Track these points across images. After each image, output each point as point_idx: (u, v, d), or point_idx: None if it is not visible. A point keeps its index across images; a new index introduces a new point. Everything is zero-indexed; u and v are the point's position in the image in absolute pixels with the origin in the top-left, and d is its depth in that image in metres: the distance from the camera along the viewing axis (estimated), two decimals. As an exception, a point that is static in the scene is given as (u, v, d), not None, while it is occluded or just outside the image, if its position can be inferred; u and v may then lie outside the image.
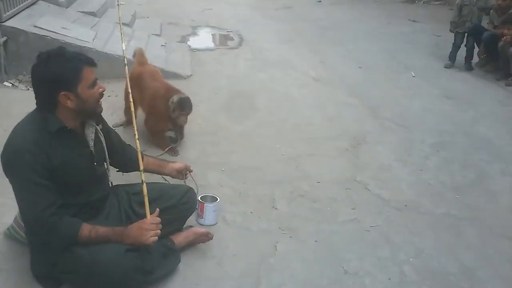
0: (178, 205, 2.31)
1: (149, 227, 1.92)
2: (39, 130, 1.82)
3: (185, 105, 3.19)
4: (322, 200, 2.91)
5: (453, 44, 5.87)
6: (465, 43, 5.83)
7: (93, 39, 4.82)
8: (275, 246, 2.46)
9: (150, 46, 5.38)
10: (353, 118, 4.16)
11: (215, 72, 5.17)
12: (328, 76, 5.24)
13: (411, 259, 2.42)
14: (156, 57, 5.05)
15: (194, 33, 6.83)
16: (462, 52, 5.86)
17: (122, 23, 5.81)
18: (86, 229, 1.87)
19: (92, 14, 5.64)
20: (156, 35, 6.00)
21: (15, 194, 1.85)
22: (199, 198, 2.62)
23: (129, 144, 2.39)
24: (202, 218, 2.60)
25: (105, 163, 2.17)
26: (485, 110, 4.54)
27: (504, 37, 5.21)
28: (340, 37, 6.94)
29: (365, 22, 7.91)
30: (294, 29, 7.31)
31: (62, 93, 1.79)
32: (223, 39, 6.65)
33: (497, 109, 4.61)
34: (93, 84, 1.88)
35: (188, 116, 3.29)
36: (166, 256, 2.20)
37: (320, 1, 9.70)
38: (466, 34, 5.78)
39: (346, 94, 4.74)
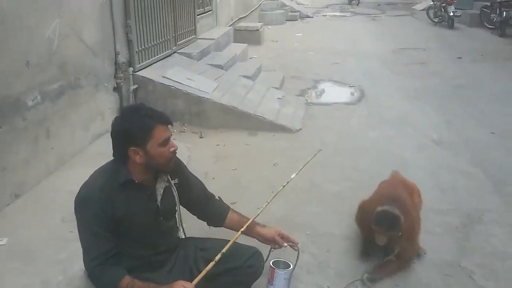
0: (242, 268, 2.21)
1: None
2: (109, 180, 1.91)
3: (379, 221, 2.54)
4: (412, 285, 2.54)
5: None
6: None
7: (213, 90, 5.12)
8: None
9: (266, 98, 5.52)
10: (472, 192, 3.64)
11: (325, 127, 5.07)
12: (451, 140, 4.74)
13: None
14: (269, 110, 5.16)
15: (315, 87, 6.83)
16: None
17: (245, 76, 6.15)
18: (125, 282, 1.88)
19: (219, 66, 6.04)
20: (275, 88, 6.15)
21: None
22: (270, 263, 2.49)
23: (218, 198, 2.33)
24: (272, 285, 2.44)
25: (176, 218, 2.19)
26: None
27: None
28: (476, 97, 6.28)
29: (509, 83, 7.07)
30: (423, 86, 6.87)
31: (132, 148, 1.86)
32: (343, 94, 6.54)
33: None
34: (164, 142, 1.91)
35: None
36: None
37: (461, 58, 9.01)
38: None
39: (468, 162, 4.20)
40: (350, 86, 6.87)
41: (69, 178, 3.46)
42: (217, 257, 1.98)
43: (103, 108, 4.40)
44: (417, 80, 7.22)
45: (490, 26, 11.32)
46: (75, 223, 2.75)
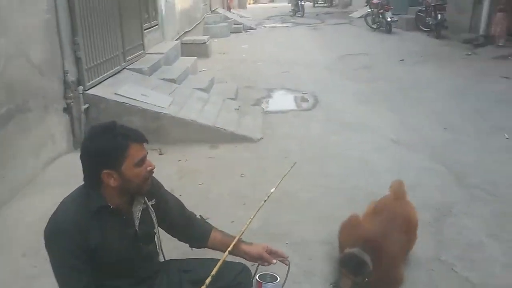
0: (231, 286, 2.09)
1: None
2: (80, 207, 1.72)
3: (344, 263, 2.42)
4: (399, 284, 2.53)
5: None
6: None
7: (169, 105, 4.97)
8: None
9: (224, 110, 5.44)
10: (437, 187, 3.73)
11: (285, 135, 5.05)
12: (409, 139, 4.87)
13: None
14: (228, 121, 5.08)
15: (269, 96, 6.85)
16: None
17: (199, 88, 6.03)
18: None
19: (172, 81, 5.89)
20: (231, 99, 6.09)
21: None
22: (257, 277, 2.38)
23: (199, 216, 2.18)
24: (260, 299, 2.36)
25: (156, 241, 2.04)
26: None
27: None
28: (424, 96, 6.54)
29: (452, 81, 7.43)
30: (373, 89, 7.06)
31: (105, 171, 1.69)
32: (297, 101, 6.58)
33: None
34: (140, 162, 1.74)
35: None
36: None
37: (403, 60, 9.38)
38: None
39: (429, 158, 4.32)
40: (303, 93, 6.93)
41: (25, 209, 3.19)
42: (208, 280, 1.85)
43: (54, 131, 4.13)
44: (365, 84, 7.41)
45: (425, 29, 11.92)
46: (38, 257, 2.54)
